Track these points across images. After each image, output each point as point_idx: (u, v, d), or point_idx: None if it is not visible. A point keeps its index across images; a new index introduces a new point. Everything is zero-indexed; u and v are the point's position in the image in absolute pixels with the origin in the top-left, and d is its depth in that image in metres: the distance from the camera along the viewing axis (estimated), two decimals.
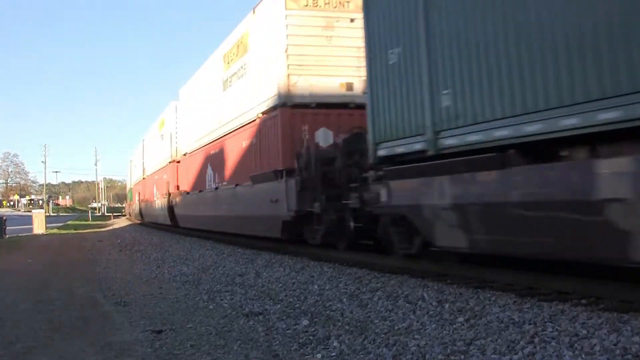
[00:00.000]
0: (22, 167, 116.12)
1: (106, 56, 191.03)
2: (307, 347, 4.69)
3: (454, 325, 4.86)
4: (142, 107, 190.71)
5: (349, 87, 11.01)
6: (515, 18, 5.48)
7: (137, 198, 37.80)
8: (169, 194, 23.82)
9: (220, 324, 5.64)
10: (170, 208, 23.40)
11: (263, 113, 12.13)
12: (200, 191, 18.12)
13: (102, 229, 32.64)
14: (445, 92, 6.45)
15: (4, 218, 23.81)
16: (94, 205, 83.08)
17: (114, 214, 62.37)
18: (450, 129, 6.42)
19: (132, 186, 40.59)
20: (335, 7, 11.15)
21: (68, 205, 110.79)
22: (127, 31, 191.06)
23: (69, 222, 42.11)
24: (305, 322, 5.46)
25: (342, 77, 11.02)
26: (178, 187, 22.46)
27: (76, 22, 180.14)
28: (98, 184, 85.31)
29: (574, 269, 5.95)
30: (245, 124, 13.24)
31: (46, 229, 27.87)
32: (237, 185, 13.94)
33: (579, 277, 5.73)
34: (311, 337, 4.93)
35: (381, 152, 7.78)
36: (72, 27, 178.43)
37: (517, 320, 4.75)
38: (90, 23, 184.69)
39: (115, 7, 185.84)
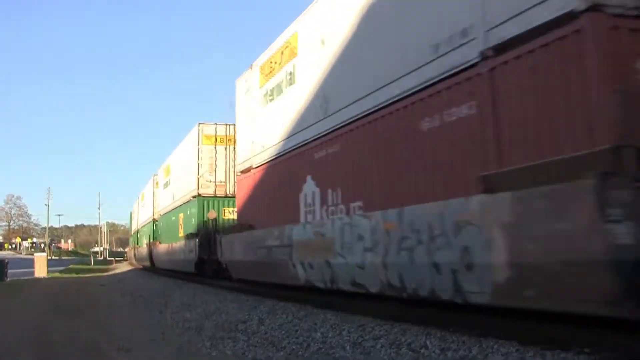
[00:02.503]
0: (24, 209, 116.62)
1: (109, 101, 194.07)
2: None
3: None
4: (146, 152, 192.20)
5: None
6: None
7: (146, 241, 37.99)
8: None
9: None
10: None
11: None
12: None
13: (104, 274, 32.51)
14: None
15: (6, 261, 23.76)
16: (96, 249, 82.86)
17: (116, 259, 62.13)
18: None
19: (140, 227, 41.38)
20: None
21: (70, 249, 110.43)
22: (130, 77, 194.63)
23: (71, 266, 41.92)
24: None
25: None
26: None
27: (78, 64, 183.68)
28: (100, 228, 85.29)
29: (572, 318, 5.97)
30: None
31: (48, 273, 27.75)
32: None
33: (582, 327, 5.73)
34: None
35: None
36: (75, 69, 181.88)
37: None
38: (93, 67, 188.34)
39: (117, 51, 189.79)
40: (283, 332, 7.80)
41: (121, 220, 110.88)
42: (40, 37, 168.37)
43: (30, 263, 30.82)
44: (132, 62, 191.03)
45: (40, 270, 27.36)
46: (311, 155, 10.51)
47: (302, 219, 10.80)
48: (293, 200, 11.12)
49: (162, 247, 27.79)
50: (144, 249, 36.30)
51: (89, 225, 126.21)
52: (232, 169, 19.32)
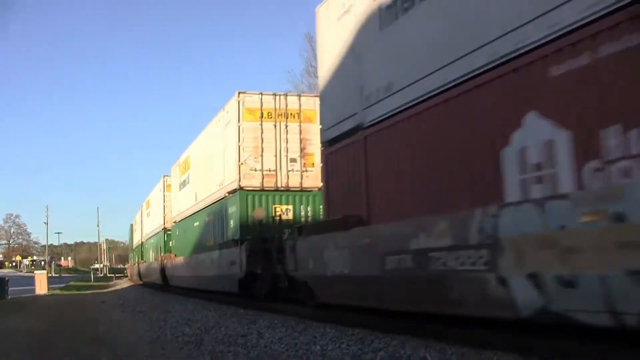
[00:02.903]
0: (24, 228, 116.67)
1: (108, 118, 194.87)
2: None
3: None
4: (145, 168, 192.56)
5: None
6: None
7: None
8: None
9: None
10: None
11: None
12: None
13: (105, 290, 32.43)
14: None
15: (6, 279, 23.74)
16: (96, 266, 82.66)
17: (116, 275, 61.99)
18: None
19: (145, 240, 36.54)
20: None
21: (70, 266, 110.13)
22: (131, 96, 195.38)
23: (71, 283, 41.79)
24: None
25: None
26: None
27: (77, 80, 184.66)
28: (100, 245, 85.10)
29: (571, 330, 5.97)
30: None
31: (48, 290, 27.70)
32: None
33: (582, 339, 5.74)
34: None
35: None
36: (73, 84, 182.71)
37: None
38: (92, 81, 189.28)
39: (118, 68, 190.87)
40: (283, 345, 7.80)
41: (120, 237, 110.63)
42: (36, 55, 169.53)
43: (30, 281, 30.77)
44: (130, 68, 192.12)
45: (41, 287, 27.32)
46: (541, 74, 5.83)
47: (512, 193, 6.13)
48: (483, 163, 6.56)
49: (179, 261, 22.86)
50: (151, 264, 31.44)
51: (88, 243, 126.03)
52: (284, 154, 15.25)
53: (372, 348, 6.89)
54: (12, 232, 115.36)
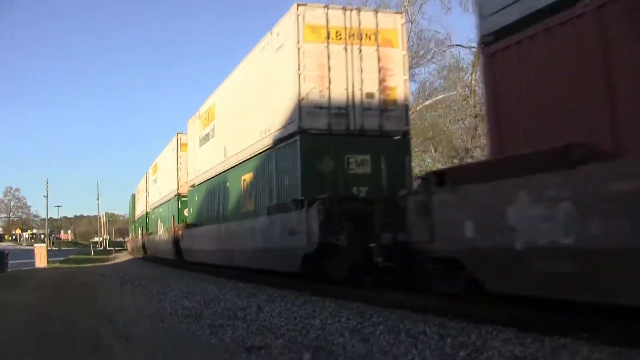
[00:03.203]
0: (24, 201, 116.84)
1: (109, 89, 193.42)
2: None
3: None
4: (145, 142, 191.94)
5: None
6: None
7: None
8: None
9: (223, 359, 5.64)
10: None
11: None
12: None
13: (104, 263, 32.55)
14: None
15: (6, 252, 23.81)
16: (96, 239, 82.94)
17: (116, 249, 62.27)
18: None
19: (151, 209, 32.56)
20: None
21: (70, 240, 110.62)
22: (130, 68, 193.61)
23: (71, 256, 41.97)
24: (307, 356, 5.47)
25: None
26: None
27: (78, 55, 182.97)
28: (100, 218, 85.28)
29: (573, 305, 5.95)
30: None
31: (48, 263, 27.81)
32: None
33: (580, 313, 5.73)
34: None
35: None
36: (73, 59, 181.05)
37: (518, 354, 4.77)
38: (93, 56, 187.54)
39: (117, 41, 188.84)
40: (282, 319, 7.81)
41: (120, 211, 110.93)
42: (36, 29, 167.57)
43: (30, 254, 30.87)
44: (130, 46, 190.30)
45: (41, 260, 27.41)
46: None
47: None
48: None
49: (199, 232, 19.00)
50: (160, 236, 27.64)
51: (88, 216, 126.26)
52: (357, 87, 11.53)
53: (372, 322, 6.89)
54: (12, 206, 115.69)
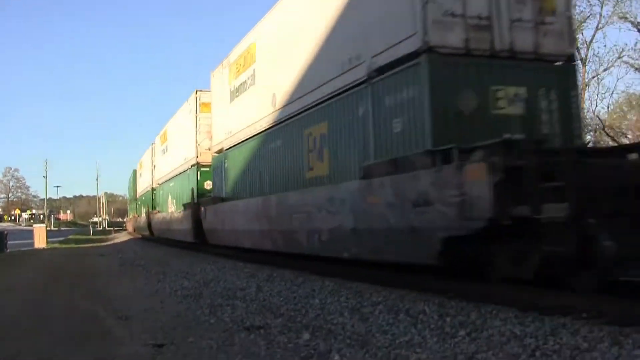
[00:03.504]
0: (23, 181, 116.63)
1: (108, 68, 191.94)
2: None
3: (456, 339, 4.86)
4: (143, 122, 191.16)
5: None
6: None
7: None
8: None
9: (222, 338, 5.63)
10: None
11: None
12: None
13: (104, 244, 32.61)
14: None
15: (5, 232, 23.85)
16: (95, 219, 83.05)
17: (115, 229, 62.41)
18: None
19: (157, 185, 28.83)
20: None
21: (69, 220, 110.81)
22: (131, 47, 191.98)
23: (70, 237, 42.06)
24: (306, 335, 5.46)
25: None
26: None
27: (79, 35, 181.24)
28: (99, 198, 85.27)
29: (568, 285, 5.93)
30: None
31: (47, 244, 27.82)
32: None
33: (580, 294, 5.72)
34: (312, 351, 4.93)
35: None
36: (73, 38, 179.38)
37: (518, 333, 4.76)
38: (93, 37, 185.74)
39: (117, 23, 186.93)
40: (281, 298, 7.81)
41: (119, 191, 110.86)
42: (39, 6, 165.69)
43: (29, 234, 30.89)
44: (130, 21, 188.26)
45: (40, 241, 27.42)
46: None
47: None
48: None
49: (235, 208, 14.74)
50: (172, 215, 23.26)
51: (87, 196, 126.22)
52: None
53: (371, 302, 6.88)
54: (11, 186, 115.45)
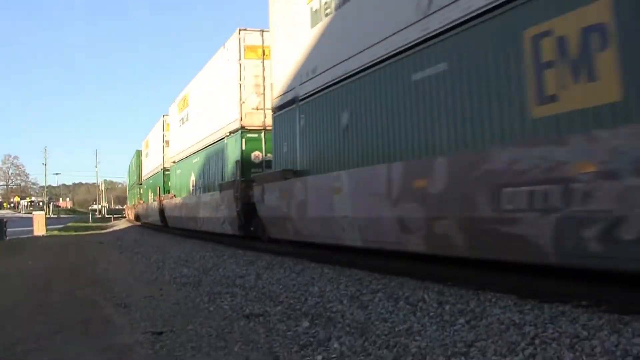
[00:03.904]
0: (22, 169, 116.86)
1: (108, 57, 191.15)
2: (307, 349, 4.68)
3: (455, 327, 4.86)
4: (143, 108, 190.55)
5: None
6: None
7: None
8: None
9: (221, 326, 5.63)
10: None
11: None
12: None
13: (103, 231, 32.64)
14: None
15: (5, 220, 23.85)
16: (95, 207, 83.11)
17: (115, 216, 62.48)
18: None
19: (171, 164, 24.32)
20: None
21: (68, 207, 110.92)
22: (129, 34, 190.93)
23: (70, 224, 42.10)
24: (305, 323, 5.46)
25: None
26: None
27: (77, 22, 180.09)
28: (98, 185, 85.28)
29: (573, 272, 5.94)
30: None
31: (47, 231, 27.87)
32: None
33: (579, 280, 5.72)
34: (312, 339, 4.93)
35: None
36: (73, 27, 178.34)
37: (517, 321, 4.75)
38: (92, 25, 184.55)
39: (115, 12, 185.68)
40: (280, 286, 7.81)
41: (119, 179, 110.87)
42: None
43: (29, 222, 30.92)
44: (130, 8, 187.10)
45: (39, 228, 27.46)
46: None
47: None
48: None
49: (345, 181, 8.87)
50: (200, 199, 18.51)
51: (86, 184, 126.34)
52: None
53: (371, 289, 6.88)
54: (10, 173, 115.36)
